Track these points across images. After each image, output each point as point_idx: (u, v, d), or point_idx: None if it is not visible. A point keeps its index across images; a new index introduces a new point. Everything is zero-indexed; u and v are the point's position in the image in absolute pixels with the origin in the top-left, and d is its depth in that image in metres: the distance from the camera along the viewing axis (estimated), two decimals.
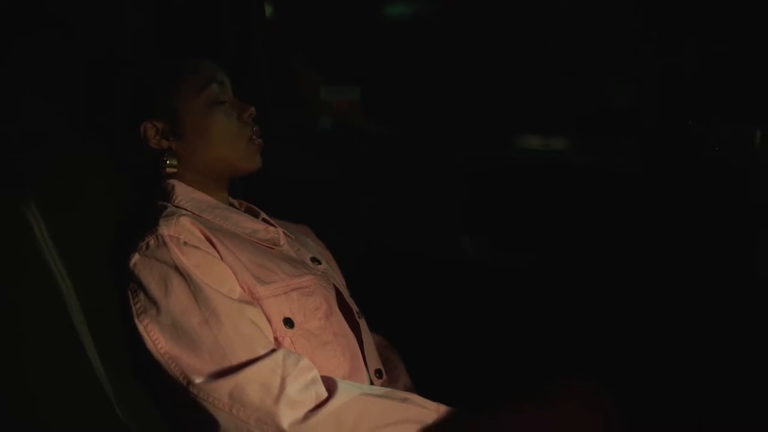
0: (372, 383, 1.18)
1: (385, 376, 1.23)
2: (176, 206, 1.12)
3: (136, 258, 1.03)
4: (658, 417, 1.24)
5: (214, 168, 1.19)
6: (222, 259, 1.06)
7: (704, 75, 1.41)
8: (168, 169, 1.16)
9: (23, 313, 0.94)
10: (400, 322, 1.40)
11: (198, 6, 1.61)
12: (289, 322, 1.08)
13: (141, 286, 1.01)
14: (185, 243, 1.03)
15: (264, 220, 1.25)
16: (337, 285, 1.21)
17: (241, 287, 1.05)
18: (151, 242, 1.03)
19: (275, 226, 1.22)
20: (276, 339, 1.06)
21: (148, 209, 1.12)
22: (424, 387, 1.28)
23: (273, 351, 1.00)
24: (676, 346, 1.35)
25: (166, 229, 1.04)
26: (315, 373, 1.01)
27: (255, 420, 0.95)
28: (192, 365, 0.97)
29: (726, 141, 1.37)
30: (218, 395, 0.96)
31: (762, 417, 1.18)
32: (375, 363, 1.22)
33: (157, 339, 0.99)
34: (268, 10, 1.79)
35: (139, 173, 1.21)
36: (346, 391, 1.00)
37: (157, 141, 1.16)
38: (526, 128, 1.71)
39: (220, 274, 1.04)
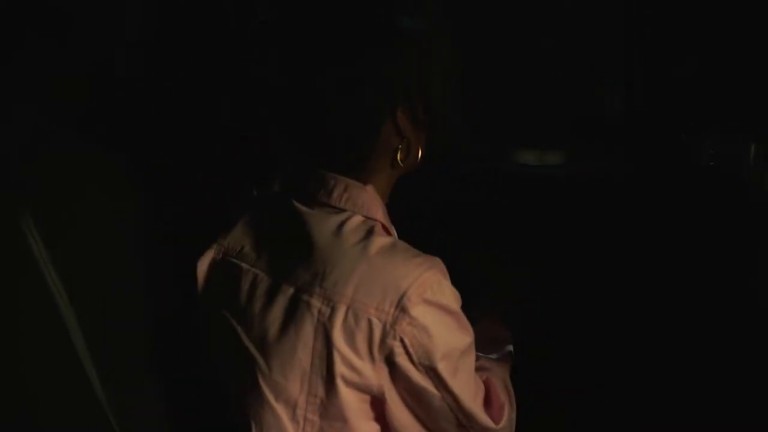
0: None
1: None
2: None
3: (418, 304, 0.87)
4: (653, 421, 1.24)
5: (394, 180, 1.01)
6: None
7: (701, 84, 1.41)
8: (397, 168, 0.97)
9: (17, 317, 0.93)
10: None
11: (201, 8, 1.61)
12: None
13: (430, 339, 0.87)
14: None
15: None
16: None
17: None
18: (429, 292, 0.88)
19: None
20: None
21: (347, 222, 0.94)
22: None
23: None
24: (673, 352, 1.35)
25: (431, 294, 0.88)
26: None
27: None
28: None
29: (720, 151, 1.37)
30: None
31: (760, 422, 1.18)
32: None
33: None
34: (272, 14, 1.80)
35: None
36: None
37: (409, 130, 0.95)
38: (520, 136, 1.70)
39: None
